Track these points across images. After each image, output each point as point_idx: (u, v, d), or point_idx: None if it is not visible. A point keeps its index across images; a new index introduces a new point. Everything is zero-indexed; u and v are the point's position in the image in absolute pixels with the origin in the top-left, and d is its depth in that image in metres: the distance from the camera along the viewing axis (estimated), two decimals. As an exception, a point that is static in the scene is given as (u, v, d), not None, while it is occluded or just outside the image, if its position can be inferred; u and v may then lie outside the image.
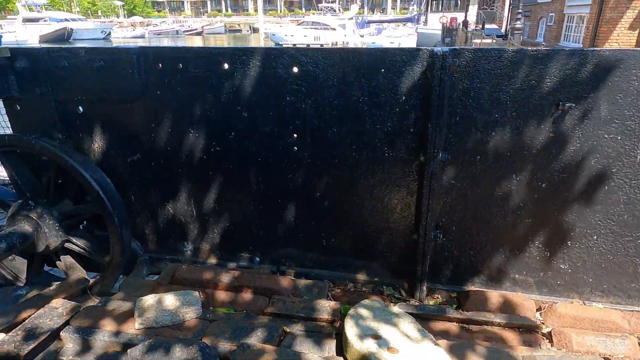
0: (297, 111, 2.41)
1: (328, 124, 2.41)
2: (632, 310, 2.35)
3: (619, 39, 16.13)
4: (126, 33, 54.43)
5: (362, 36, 40.91)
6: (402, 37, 37.49)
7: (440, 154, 2.27)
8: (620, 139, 2.11)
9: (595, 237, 2.31)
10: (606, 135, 2.12)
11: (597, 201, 2.24)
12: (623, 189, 2.19)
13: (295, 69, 2.33)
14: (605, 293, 2.42)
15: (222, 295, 2.51)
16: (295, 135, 2.47)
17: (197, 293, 2.40)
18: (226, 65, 2.39)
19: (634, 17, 15.80)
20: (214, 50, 2.42)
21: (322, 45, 39.36)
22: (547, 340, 2.18)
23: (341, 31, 40.36)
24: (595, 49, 2.04)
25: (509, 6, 27.45)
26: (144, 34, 54.95)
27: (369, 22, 49.91)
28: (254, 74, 2.37)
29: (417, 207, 2.44)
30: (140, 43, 49.03)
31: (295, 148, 2.49)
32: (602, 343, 2.09)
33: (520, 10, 17.09)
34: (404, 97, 2.27)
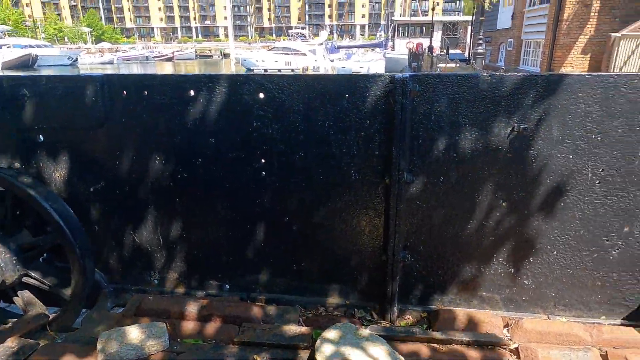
0: (264, 136, 2.43)
1: (295, 149, 2.44)
2: (594, 323, 2.42)
3: (573, 63, 17.11)
4: (94, 59, 53.72)
5: (332, 61, 41.87)
6: (371, 62, 38.60)
7: (405, 176, 2.32)
8: (572, 158, 2.23)
9: (555, 252, 2.39)
10: (559, 155, 2.23)
11: (554, 218, 2.33)
12: (578, 205, 2.30)
13: (262, 95, 2.36)
14: (567, 307, 2.49)
15: (190, 325, 2.44)
16: (262, 160, 2.48)
17: (163, 324, 2.33)
18: (192, 92, 2.39)
19: (585, 42, 16.84)
20: (179, 77, 2.43)
21: (293, 70, 40.01)
22: (515, 356, 2.22)
23: (311, 56, 41.22)
24: (544, 74, 2.17)
25: (471, 32, 28.79)
26: (113, 60, 54.40)
27: (339, 47, 51.26)
28: (220, 100, 2.39)
29: (385, 229, 2.47)
30: (109, 69, 48.49)
31: (263, 173, 2.50)
32: (566, 356, 2.14)
33: (481, 37, 17.95)
34: (368, 122, 2.33)
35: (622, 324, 2.43)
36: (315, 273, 2.68)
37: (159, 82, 2.43)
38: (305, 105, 2.36)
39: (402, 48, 38.83)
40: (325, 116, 2.36)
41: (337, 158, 2.41)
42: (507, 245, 2.43)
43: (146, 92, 2.43)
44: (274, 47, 46.54)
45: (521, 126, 2.20)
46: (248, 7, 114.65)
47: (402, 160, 2.29)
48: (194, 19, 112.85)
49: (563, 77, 2.13)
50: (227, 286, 2.79)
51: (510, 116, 2.21)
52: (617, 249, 2.34)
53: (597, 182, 2.24)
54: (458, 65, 18.18)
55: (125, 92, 2.45)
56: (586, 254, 2.37)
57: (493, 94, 2.20)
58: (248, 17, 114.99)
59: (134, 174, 2.58)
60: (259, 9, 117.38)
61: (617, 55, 14.63)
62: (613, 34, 14.95)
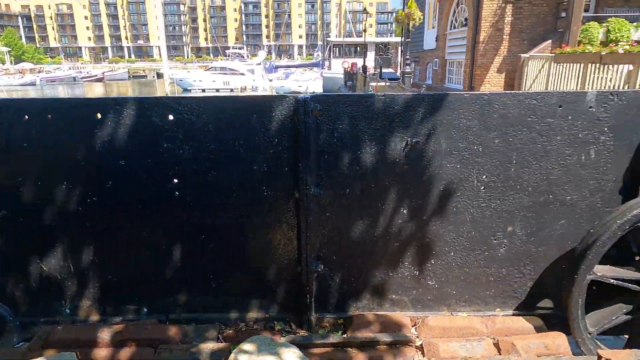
0: (176, 157, 2.47)
1: (207, 168, 2.50)
2: (490, 315, 2.68)
3: (491, 81, 18.64)
4: (13, 80, 50.02)
5: (270, 80, 42.21)
6: (309, 81, 39.39)
7: (313, 190, 2.46)
8: (459, 167, 2.49)
9: (452, 253, 2.63)
10: (448, 165, 2.49)
11: (449, 222, 2.57)
12: (468, 209, 2.56)
13: (171, 117, 2.41)
14: (467, 303, 2.73)
15: (102, 352, 2.38)
16: (175, 181, 2.51)
17: (73, 354, 2.25)
18: (99, 115, 2.39)
19: (500, 62, 18.42)
20: (85, 100, 2.43)
21: (231, 90, 39.81)
22: (420, 352, 2.40)
23: (250, 76, 41.31)
24: (430, 93, 2.42)
25: (401, 52, 30.46)
26: (35, 81, 50.99)
27: (277, 67, 51.81)
28: (129, 122, 2.41)
29: (298, 241, 2.58)
30: (31, 91, 45.32)
31: (177, 193, 2.53)
32: (463, 347, 2.36)
33: (408, 57, 19.03)
34: (276, 140, 2.45)
35: (513, 314, 2.71)
36: (234, 289, 2.72)
37: (64, 106, 2.41)
38: (215, 126, 2.44)
39: (338, 67, 40.13)
40: (236, 136, 2.45)
41: (248, 176, 2.51)
42: (411, 250, 2.63)
43: (50, 116, 2.39)
44: (212, 67, 46.12)
45: (414, 140, 2.43)
46: (183, 26, 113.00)
47: (308, 175, 2.43)
48: (126, 38, 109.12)
49: (445, 96, 2.39)
50: (145, 309, 2.74)
51: (404, 131, 2.44)
52: (504, 247, 2.62)
53: (482, 187, 2.52)
54: (388, 84, 19.13)
55: (27, 116, 2.39)
56: (478, 253, 2.63)
57: (388, 111, 2.41)
58: (184, 36, 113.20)
59: (39, 200, 2.50)
60: (195, 29, 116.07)
61: (526, 73, 16.16)
62: (522, 55, 16.53)
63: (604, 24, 15.08)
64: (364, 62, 30.90)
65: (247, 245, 2.63)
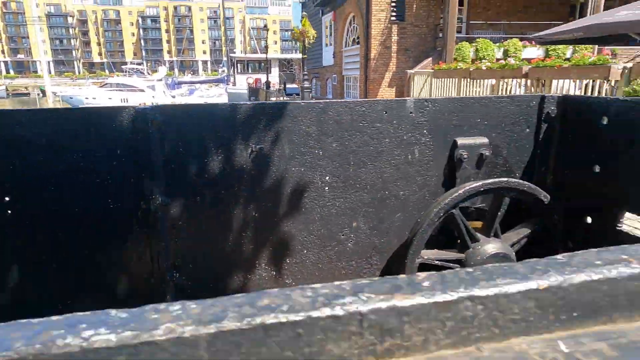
0: (5, 174, 2.32)
1: (45, 184, 2.38)
2: (344, 306, 2.89)
3: (383, 94, 20.04)
4: None
5: (173, 97, 40.67)
6: (214, 97, 38.73)
7: (160, 199, 2.47)
8: (304, 170, 2.68)
9: (305, 251, 2.80)
10: (293, 169, 2.66)
11: (299, 221, 2.75)
12: (315, 209, 2.75)
13: None
14: (324, 297, 2.92)
15: None
16: (7, 199, 2.35)
17: None
18: None
19: (390, 77, 19.90)
20: None
21: (129, 107, 37.44)
22: (274, 348, 2.50)
23: (150, 92, 39.38)
24: (270, 102, 2.59)
25: (303, 68, 31.44)
26: None
27: (180, 83, 50.07)
28: None
29: (150, 253, 2.56)
30: None
31: (9, 212, 2.37)
32: (313, 338, 2.51)
33: (305, 72, 19.74)
34: (118, 151, 2.42)
35: (365, 303, 2.95)
36: (85, 310, 2.59)
37: None
38: (50, 140, 2.34)
39: (242, 83, 40.06)
40: (75, 149, 2.37)
41: (91, 189, 2.43)
42: (267, 252, 2.75)
43: None
44: (107, 83, 43.11)
45: (258, 147, 2.57)
46: (73, 40, 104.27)
47: (154, 186, 2.44)
48: (2, 52, 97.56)
49: (285, 105, 2.57)
50: (-20, 343, 2.49)
51: (248, 139, 2.56)
52: (351, 242, 2.86)
53: (326, 188, 2.74)
54: (287, 98, 19.64)
55: None
56: (329, 249, 2.84)
57: (231, 120, 2.52)
58: (74, 51, 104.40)
59: None
60: (87, 43, 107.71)
61: (413, 88, 17.66)
62: (409, 71, 18.04)
63: (474, 44, 17.12)
64: (267, 78, 31.28)
65: (96, 263, 2.53)
